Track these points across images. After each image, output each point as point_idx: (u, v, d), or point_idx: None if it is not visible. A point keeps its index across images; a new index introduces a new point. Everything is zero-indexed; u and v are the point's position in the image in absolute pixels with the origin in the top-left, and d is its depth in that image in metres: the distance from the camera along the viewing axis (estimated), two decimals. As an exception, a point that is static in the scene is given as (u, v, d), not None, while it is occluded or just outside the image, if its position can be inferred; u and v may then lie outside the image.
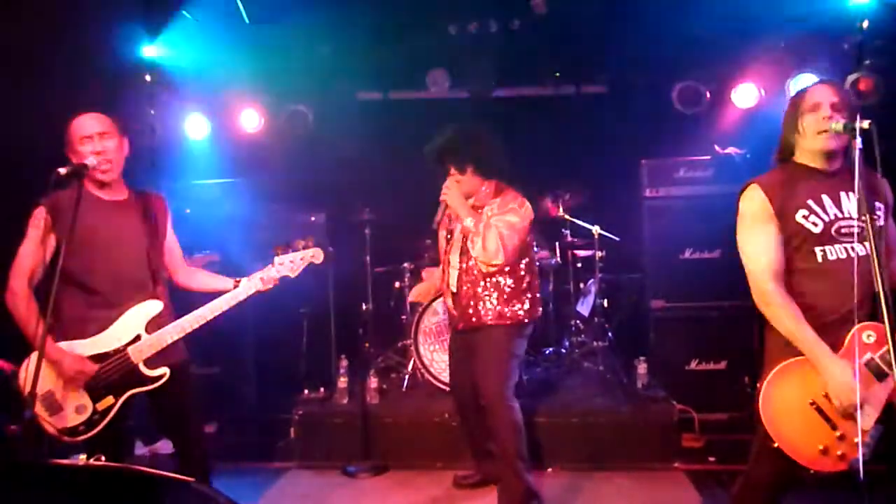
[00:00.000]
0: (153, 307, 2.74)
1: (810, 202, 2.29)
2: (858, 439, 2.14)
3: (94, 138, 2.65)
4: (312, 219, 5.17)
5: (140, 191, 2.86)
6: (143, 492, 1.44)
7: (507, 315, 3.38)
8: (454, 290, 3.48)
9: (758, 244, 2.32)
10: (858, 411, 2.11)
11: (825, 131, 2.27)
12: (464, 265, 3.44)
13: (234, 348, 4.93)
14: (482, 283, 3.38)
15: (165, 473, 1.41)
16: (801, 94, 2.38)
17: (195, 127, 5.43)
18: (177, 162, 5.32)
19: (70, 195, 2.53)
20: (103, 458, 1.53)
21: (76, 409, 2.62)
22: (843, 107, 2.28)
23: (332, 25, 5.20)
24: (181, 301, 2.92)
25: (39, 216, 2.62)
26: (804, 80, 4.89)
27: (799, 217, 2.28)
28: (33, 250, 2.61)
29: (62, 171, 2.42)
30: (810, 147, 2.34)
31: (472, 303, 3.40)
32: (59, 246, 2.57)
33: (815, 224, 2.27)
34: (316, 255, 2.95)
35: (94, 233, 2.64)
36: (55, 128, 2.89)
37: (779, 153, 2.45)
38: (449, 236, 3.60)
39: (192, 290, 2.97)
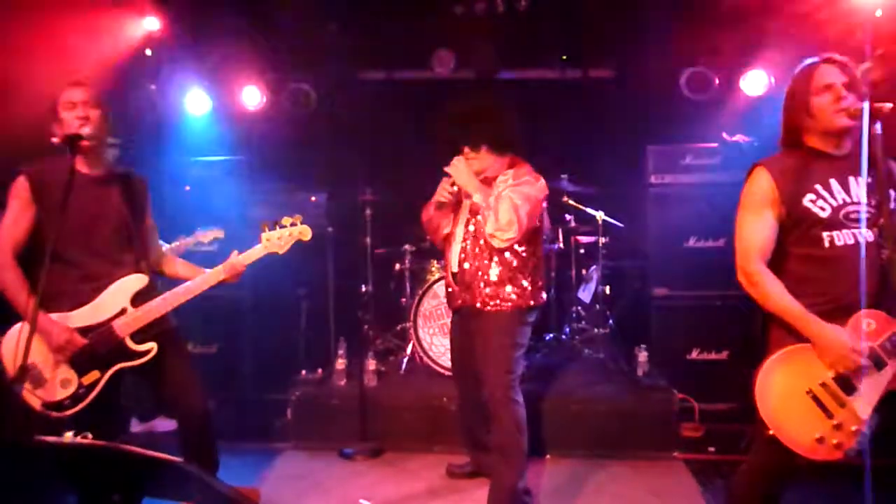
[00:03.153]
0: (138, 281, 2.72)
1: (818, 187, 2.26)
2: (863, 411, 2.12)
3: (77, 106, 2.58)
4: (313, 198, 5.12)
5: (122, 170, 2.82)
6: (129, 470, 1.40)
7: (510, 298, 3.15)
8: (454, 268, 3.28)
9: (753, 225, 2.31)
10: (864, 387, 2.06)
11: (843, 110, 2.22)
12: (468, 241, 3.22)
13: (232, 328, 4.90)
14: (485, 262, 3.17)
15: (152, 452, 1.37)
16: (807, 73, 2.31)
17: (196, 103, 5.36)
18: (177, 138, 5.26)
19: (52, 167, 2.50)
20: (90, 435, 1.50)
21: (61, 382, 2.59)
22: (853, 85, 2.25)
23: (337, 3, 5.12)
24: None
25: (21, 186, 2.60)
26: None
27: (806, 201, 2.26)
28: (15, 221, 2.59)
29: (55, 140, 2.37)
30: (825, 128, 2.29)
31: (473, 282, 3.18)
32: (40, 217, 2.56)
33: (822, 209, 2.25)
34: (304, 232, 2.90)
35: (76, 207, 2.59)
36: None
37: (785, 137, 2.39)
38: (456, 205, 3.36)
39: (178, 278, 2.90)
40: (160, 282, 2.91)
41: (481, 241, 3.16)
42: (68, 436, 1.48)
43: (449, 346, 3.60)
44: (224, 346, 4.86)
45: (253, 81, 5.47)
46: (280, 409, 4.34)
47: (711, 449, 4.06)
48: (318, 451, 4.09)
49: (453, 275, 3.30)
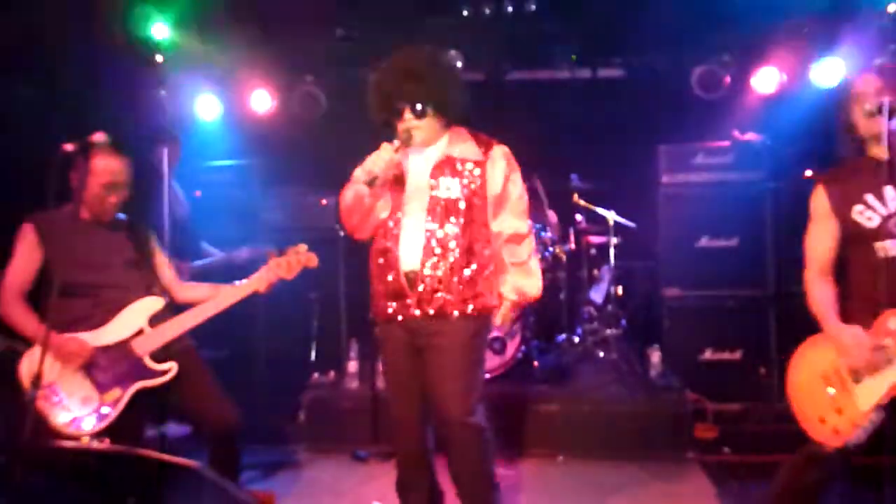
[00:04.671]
0: (154, 303, 2.80)
1: (868, 196, 2.32)
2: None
3: (114, 189, 2.74)
4: (324, 202, 5.12)
5: (122, 218, 2.92)
6: (146, 475, 1.40)
7: (483, 300, 2.61)
8: (409, 266, 2.57)
9: (812, 238, 2.47)
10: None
11: (875, 113, 2.26)
12: (433, 232, 2.56)
13: (244, 331, 4.89)
14: (460, 257, 2.56)
15: (169, 457, 1.37)
16: (845, 87, 2.46)
17: (206, 108, 5.38)
18: (188, 143, 5.27)
19: (56, 214, 2.65)
20: (107, 440, 1.50)
21: (82, 400, 2.63)
22: (890, 89, 2.28)
23: (345, 5, 5.13)
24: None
25: (27, 231, 2.72)
26: (828, 64, 4.79)
27: (854, 213, 2.33)
28: (22, 263, 2.71)
29: (69, 147, 2.39)
30: (868, 134, 2.34)
31: (441, 284, 2.54)
32: (47, 260, 2.68)
33: (869, 219, 2.30)
34: (311, 258, 2.95)
35: (84, 245, 2.71)
36: (64, 111, 2.88)
37: (846, 146, 2.47)
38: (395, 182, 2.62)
39: (194, 303, 2.93)
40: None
41: (453, 231, 2.57)
42: (85, 440, 1.49)
43: (394, 367, 2.78)
44: (236, 349, 4.86)
45: (262, 86, 5.48)
46: (292, 412, 4.35)
47: (726, 449, 4.03)
48: (330, 454, 4.09)
49: (407, 275, 2.58)
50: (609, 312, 5.03)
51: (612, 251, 5.02)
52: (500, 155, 2.67)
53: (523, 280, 2.68)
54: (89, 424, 2.59)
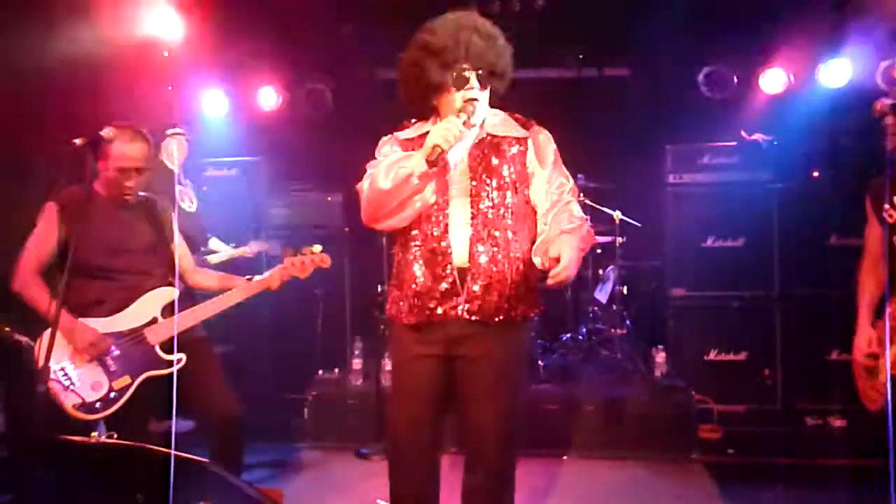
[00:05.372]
0: (169, 293, 2.82)
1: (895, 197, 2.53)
2: None
3: (132, 172, 2.72)
4: (329, 199, 5.13)
5: (144, 196, 2.92)
6: (155, 470, 1.41)
7: (527, 303, 2.31)
8: (463, 259, 2.22)
9: (865, 233, 2.78)
10: None
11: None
12: (478, 220, 2.23)
13: (249, 327, 4.89)
14: (505, 249, 2.24)
15: (178, 453, 1.38)
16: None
17: (213, 104, 5.39)
18: (195, 139, 5.28)
19: (78, 193, 2.66)
20: (115, 435, 1.51)
21: (92, 385, 2.66)
22: None
23: (353, 2, 5.12)
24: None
25: (49, 210, 2.73)
26: (835, 65, 4.78)
27: (884, 211, 2.57)
28: (41, 241, 2.72)
29: (77, 142, 2.41)
30: None
31: (492, 280, 2.21)
32: (68, 238, 2.67)
33: (890, 216, 2.54)
34: (325, 259, 3.00)
35: (103, 227, 2.73)
36: (72, 106, 2.88)
37: None
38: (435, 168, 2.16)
39: (205, 290, 2.98)
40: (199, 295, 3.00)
41: (500, 218, 2.24)
42: (94, 435, 1.50)
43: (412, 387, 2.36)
44: (241, 345, 4.86)
45: (270, 82, 5.49)
46: (297, 409, 4.35)
47: (730, 451, 4.03)
48: (334, 451, 4.10)
49: (459, 270, 2.22)
50: (614, 312, 5.03)
51: (617, 251, 5.01)
52: (543, 131, 2.40)
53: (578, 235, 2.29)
54: (96, 409, 2.64)
